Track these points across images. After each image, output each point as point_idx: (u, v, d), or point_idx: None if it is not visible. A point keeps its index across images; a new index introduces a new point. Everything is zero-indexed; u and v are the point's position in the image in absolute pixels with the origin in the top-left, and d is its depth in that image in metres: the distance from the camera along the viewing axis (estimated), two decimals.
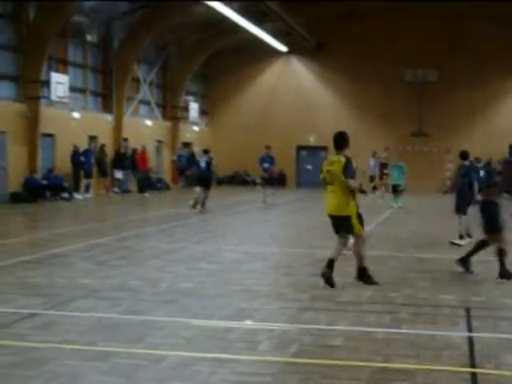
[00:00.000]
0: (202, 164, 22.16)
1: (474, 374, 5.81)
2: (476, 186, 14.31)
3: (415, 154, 34.69)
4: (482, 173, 28.36)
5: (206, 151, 23.13)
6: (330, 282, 9.36)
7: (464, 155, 14.83)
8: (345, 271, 10.90)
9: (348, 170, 9.30)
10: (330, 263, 9.44)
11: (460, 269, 10.71)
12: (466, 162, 14.84)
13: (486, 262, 12.13)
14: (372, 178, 33.61)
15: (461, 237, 14.15)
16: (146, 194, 28.06)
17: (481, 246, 10.61)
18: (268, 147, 25.92)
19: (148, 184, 31.09)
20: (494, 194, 10.85)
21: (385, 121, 37.39)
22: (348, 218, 9.43)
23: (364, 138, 37.18)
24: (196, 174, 22.87)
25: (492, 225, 10.39)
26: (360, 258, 9.75)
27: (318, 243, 13.99)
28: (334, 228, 9.69)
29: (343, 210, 9.43)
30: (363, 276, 9.70)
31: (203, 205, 21.52)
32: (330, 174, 9.44)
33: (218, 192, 33.50)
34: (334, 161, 9.52)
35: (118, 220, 18.83)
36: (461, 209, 14.36)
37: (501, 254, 10.28)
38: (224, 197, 29.47)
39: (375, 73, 36.96)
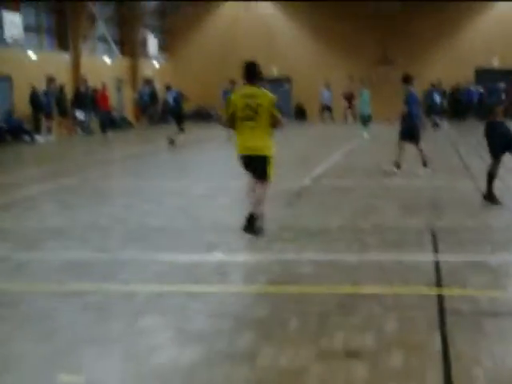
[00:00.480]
0: (170, 100, 21.83)
1: (440, 295, 5.97)
2: (417, 113, 14.07)
3: (379, 82, 34.56)
4: (437, 98, 28.83)
5: (168, 87, 22.75)
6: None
7: (406, 79, 14.27)
8: (312, 201, 11.03)
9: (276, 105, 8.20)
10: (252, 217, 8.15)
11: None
12: (410, 87, 14.23)
13: (451, 187, 12.38)
14: (323, 109, 33.75)
15: (397, 165, 14.03)
16: (109, 134, 27.61)
17: (492, 176, 10.26)
18: (232, 82, 25.61)
19: (110, 123, 30.67)
20: (498, 115, 10.42)
21: (348, 50, 37.13)
22: (269, 160, 8.19)
23: (327, 68, 37.08)
24: (166, 111, 22.53)
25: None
26: (259, 203, 8.21)
27: (283, 174, 14.05)
28: (252, 172, 8.27)
29: (267, 151, 8.17)
30: (252, 225, 8.12)
31: (172, 142, 21.29)
32: (255, 109, 8.06)
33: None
34: (255, 94, 8.14)
35: (83, 161, 18.64)
36: (403, 136, 14.16)
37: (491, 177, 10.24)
38: (189, 132, 29.23)
39: (339, 3, 36.53)
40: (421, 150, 14.18)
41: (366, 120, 24.67)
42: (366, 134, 24.00)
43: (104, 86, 29.26)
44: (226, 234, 8.57)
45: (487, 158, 15.09)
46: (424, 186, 12.53)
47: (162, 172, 15.84)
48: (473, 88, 35.45)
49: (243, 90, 8.38)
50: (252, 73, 8.31)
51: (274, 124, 8.17)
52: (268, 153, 8.17)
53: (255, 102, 8.07)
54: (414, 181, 13.20)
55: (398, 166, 14.08)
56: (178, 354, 4.79)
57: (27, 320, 5.56)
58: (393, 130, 27.56)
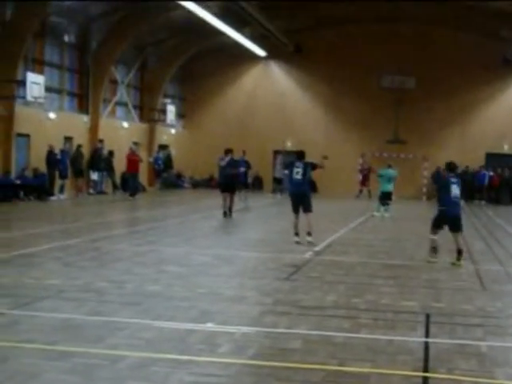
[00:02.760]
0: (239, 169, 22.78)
1: (426, 378, 5.97)
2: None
3: (391, 160, 34.89)
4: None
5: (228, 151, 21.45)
6: None
7: (451, 167, 13.39)
8: (310, 276, 11.08)
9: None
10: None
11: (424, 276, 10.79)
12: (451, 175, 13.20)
13: (450, 268, 12.40)
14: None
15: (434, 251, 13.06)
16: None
17: None
18: (243, 152, 26.13)
19: (124, 186, 31.08)
20: None
21: (362, 126, 37.66)
22: None
23: (341, 144, 37.51)
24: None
25: None
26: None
27: (286, 247, 14.16)
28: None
29: None
30: None
31: (230, 211, 20.90)
32: None
33: (193, 195, 33.60)
34: None
35: (92, 221, 18.83)
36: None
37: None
38: (200, 200, 29.56)
39: (353, 78, 37.24)
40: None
41: (386, 198, 24.30)
42: (384, 212, 23.82)
43: (132, 150, 29.74)
44: (220, 303, 8.63)
45: (490, 241, 15.17)
46: (424, 266, 12.55)
47: (165, 237, 15.95)
48: (484, 171, 35.78)
49: None
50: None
51: None
52: None
53: None
54: (414, 261, 13.23)
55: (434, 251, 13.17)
56: None
57: (13, 377, 5.60)
58: (402, 208, 27.81)
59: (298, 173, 14.98)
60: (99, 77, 30.48)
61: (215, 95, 39.66)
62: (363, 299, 9.24)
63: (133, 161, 28.77)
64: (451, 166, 13.40)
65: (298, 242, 14.64)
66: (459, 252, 12.75)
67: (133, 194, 27.83)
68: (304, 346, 6.83)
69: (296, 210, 15.01)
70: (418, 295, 9.74)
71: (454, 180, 13.00)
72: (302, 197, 14.96)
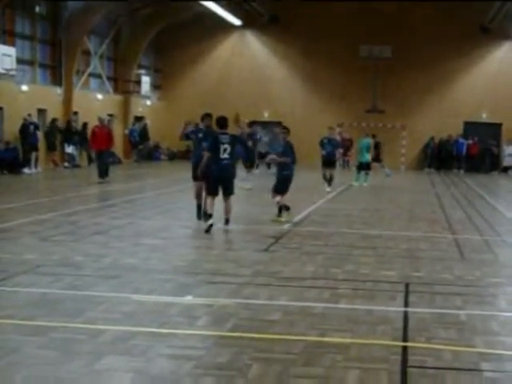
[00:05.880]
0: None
1: (405, 348, 5.99)
2: None
3: (370, 130, 34.87)
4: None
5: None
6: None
7: None
8: (289, 247, 11.07)
9: None
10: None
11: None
12: None
13: (430, 237, 12.46)
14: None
15: None
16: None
17: None
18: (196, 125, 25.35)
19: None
20: None
21: (340, 97, 37.50)
22: None
23: (318, 114, 37.40)
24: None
25: None
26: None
27: (265, 219, 14.11)
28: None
29: None
30: None
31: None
32: None
33: (170, 167, 33.41)
34: None
35: (67, 195, 18.63)
36: None
37: None
38: (178, 172, 29.36)
39: (330, 48, 37.03)
40: None
41: (364, 168, 24.44)
42: (363, 182, 23.94)
43: (101, 122, 23.58)
44: (198, 276, 8.58)
45: (469, 211, 15.29)
46: (403, 236, 12.60)
47: (143, 210, 15.85)
48: (462, 140, 35.97)
49: None
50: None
51: None
52: None
53: None
54: (392, 231, 13.27)
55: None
56: None
57: None
58: (380, 178, 27.87)
59: (225, 150, 12.16)
60: (72, 48, 29.96)
61: (191, 66, 39.27)
62: (342, 269, 9.24)
63: (101, 135, 22.67)
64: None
65: (210, 226, 12.11)
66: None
67: (103, 176, 22.32)
68: (284, 317, 6.82)
69: (215, 193, 12.42)
70: (397, 265, 9.77)
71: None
72: (228, 181, 12.45)
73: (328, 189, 21.08)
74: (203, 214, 12.90)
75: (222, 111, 15.28)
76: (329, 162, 21.97)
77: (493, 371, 5.46)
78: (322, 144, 22.13)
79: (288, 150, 13.91)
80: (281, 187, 13.96)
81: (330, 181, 21.54)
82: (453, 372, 5.44)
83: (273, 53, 38.94)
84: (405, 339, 6.24)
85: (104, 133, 22.80)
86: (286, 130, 14.35)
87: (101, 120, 23.55)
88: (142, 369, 5.29)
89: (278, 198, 13.91)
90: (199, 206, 13.42)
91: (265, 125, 34.22)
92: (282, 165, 13.95)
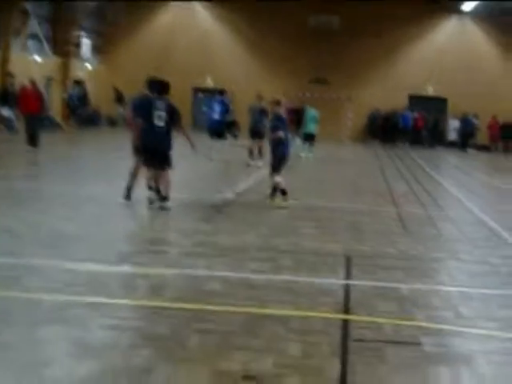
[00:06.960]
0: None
1: (346, 321, 5.97)
2: None
3: (315, 100, 34.82)
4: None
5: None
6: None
7: None
8: (231, 217, 10.98)
9: None
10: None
11: None
12: None
13: (374, 211, 12.51)
14: None
15: None
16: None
17: None
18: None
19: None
20: None
21: (285, 67, 37.32)
22: None
23: (263, 83, 37.18)
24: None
25: None
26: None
27: (207, 189, 13.98)
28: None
29: None
30: None
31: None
32: None
33: (110, 133, 32.83)
34: None
35: (4, 161, 18.06)
36: None
37: None
38: (118, 139, 28.83)
39: (277, 17, 36.76)
40: None
41: (309, 139, 24.30)
42: (308, 153, 23.86)
43: (32, 83, 21.90)
44: (137, 245, 8.42)
45: (413, 184, 15.39)
46: (346, 209, 12.63)
47: (83, 177, 15.49)
48: (407, 113, 36.26)
49: None
50: None
51: None
52: None
53: None
54: (336, 203, 13.29)
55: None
56: (73, 367, 4.64)
57: None
58: (324, 149, 27.98)
59: (160, 117, 11.06)
60: (8, 8, 28.97)
61: (134, 31, 38.50)
62: (285, 241, 9.18)
63: (29, 97, 20.73)
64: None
65: (151, 202, 11.38)
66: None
67: (33, 143, 20.16)
68: (224, 288, 6.72)
69: (151, 164, 11.40)
70: (341, 237, 9.76)
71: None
72: (162, 154, 11.30)
73: (257, 163, 18.86)
74: (148, 188, 12.51)
75: (164, 77, 14.95)
76: (255, 133, 19.91)
77: (432, 345, 5.49)
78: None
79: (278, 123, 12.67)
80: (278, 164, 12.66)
81: (259, 153, 19.37)
82: (393, 345, 5.45)
83: (217, 20, 38.48)
84: (346, 312, 6.23)
85: (34, 96, 20.74)
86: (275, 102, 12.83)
87: (32, 81, 21.38)
88: (79, 339, 5.14)
89: (279, 179, 12.73)
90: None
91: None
92: (277, 140, 12.66)
